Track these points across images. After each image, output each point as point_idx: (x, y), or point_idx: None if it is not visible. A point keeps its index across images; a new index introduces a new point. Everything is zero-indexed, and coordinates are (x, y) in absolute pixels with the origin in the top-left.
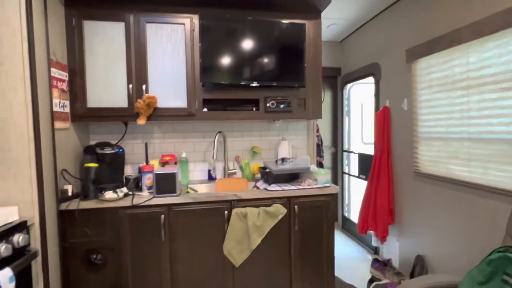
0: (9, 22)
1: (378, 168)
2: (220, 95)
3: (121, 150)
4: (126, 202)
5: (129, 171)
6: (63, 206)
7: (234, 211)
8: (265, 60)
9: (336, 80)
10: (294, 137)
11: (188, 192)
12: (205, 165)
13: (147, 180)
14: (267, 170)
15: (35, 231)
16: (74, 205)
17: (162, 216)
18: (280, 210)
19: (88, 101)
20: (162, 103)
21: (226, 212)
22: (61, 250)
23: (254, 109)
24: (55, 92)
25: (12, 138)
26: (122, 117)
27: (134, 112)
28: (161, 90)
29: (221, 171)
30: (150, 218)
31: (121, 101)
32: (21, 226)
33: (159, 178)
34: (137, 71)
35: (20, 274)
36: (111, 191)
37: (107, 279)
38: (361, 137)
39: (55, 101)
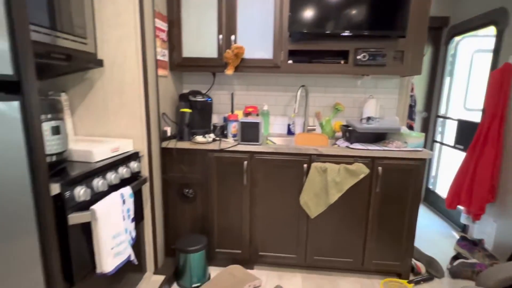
0: None
1: (484, 137)
2: (307, 46)
3: (210, 99)
4: (214, 146)
5: (216, 119)
6: (164, 144)
7: (314, 165)
8: (359, 5)
9: (441, 32)
10: (383, 96)
11: (267, 143)
12: (285, 119)
13: (233, 128)
14: (350, 128)
15: (145, 161)
16: (172, 144)
17: (245, 162)
18: (362, 169)
19: (183, 51)
20: (248, 54)
21: (305, 165)
22: (162, 181)
23: (342, 62)
24: (158, 42)
25: (126, 82)
26: (212, 67)
27: (223, 62)
28: (248, 41)
29: (301, 126)
30: (234, 163)
31: (211, 52)
32: (135, 156)
33: (244, 126)
34: (227, 21)
35: (134, 194)
36: (201, 136)
37: (196, 211)
38: (463, 101)
39: (158, 50)
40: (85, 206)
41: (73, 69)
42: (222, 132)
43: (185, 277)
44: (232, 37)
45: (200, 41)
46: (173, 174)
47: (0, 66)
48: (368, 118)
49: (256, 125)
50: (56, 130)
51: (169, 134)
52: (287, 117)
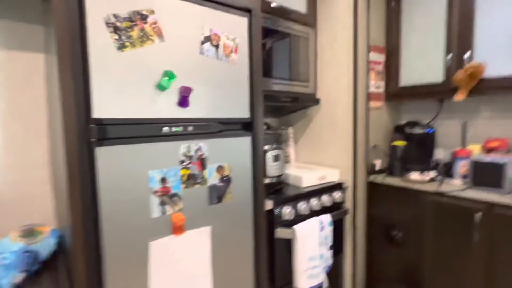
0: (340, 16)
1: None
2: None
3: (431, 130)
4: (432, 187)
5: (440, 154)
6: (371, 178)
7: None
8: None
9: None
10: None
11: None
12: None
13: (462, 167)
14: None
15: (349, 193)
16: (380, 179)
17: (478, 214)
18: None
19: (400, 80)
20: (492, 71)
21: None
22: (366, 216)
23: None
24: (372, 74)
25: (338, 115)
26: (436, 94)
27: (451, 87)
28: (491, 55)
29: None
30: (459, 213)
31: (435, 76)
32: (339, 186)
33: (479, 166)
34: (460, 37)
35: (335, 223)
36: (417, 172)
37: (405, 258)
38: None
39: (371, 82)
40: (288, 225)
41: (297, 108)
42: (447, 170)
43: None
44: (466, 55)
45: (421, 66)
46: (380, 212)
47: (243, 112)
48: None
49: (498, 166)
50: (276, 158)
51: (378, 167)
52: None
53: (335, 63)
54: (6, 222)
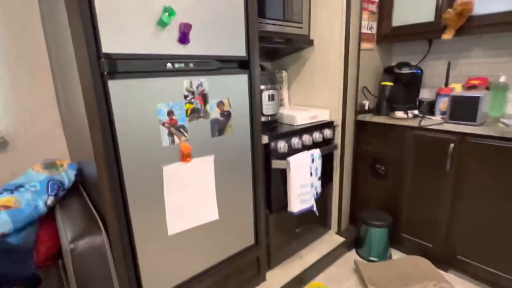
0: None
1: None
2: None
3: (419, 71)
4: (414, 123)
5: (426, 94)
6: (359, 117)
7: None
8: None
9: None
10: None
11: (499, 126)
12: None
13: (442, 103)
14: None
15: (338, 131)
16: (368, 117)
17: (451, 144)
18: None
19: (393, 20)
20: (480, 8)
21: None
22: (354, 152)
23: None
24: (365, 15)
25: (330, 58)
26: (426, 33)
27: (441, 26)
28: None
29: None
30: (436, 143)
31: (426, 15)
32: (329, 125)
33: (456, 101)
34: None
35: (324, 157)
36: (402, 112)
37: (386, 188)
38: None
39: (364, 23)
40: (283, 157)
41: (291, 51)
42: (430, 108)
43: (364, 248)
44: None
45: (414, 5)
46: (366, 147)
47: (240, 50)
48: None
49: (473, 100)
50: (271, 97)
51: (366, 107)
52: None
53: (329, 3)
54: (24, 159)
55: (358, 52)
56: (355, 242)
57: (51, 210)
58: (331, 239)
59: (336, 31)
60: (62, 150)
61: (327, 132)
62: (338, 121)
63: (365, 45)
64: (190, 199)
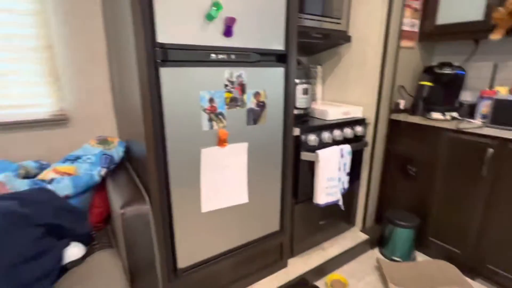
0: None
1: None
2: None
3: (462, 72)
4: (451, 125)
5: (467, 96)
6: (393, 116)
7: None
8: None
9: None
10: None
11: None
12: None
13: (484, 106)
14: None
15: (370, 128)
16: (401, 117)
17: (490, 149)
18: None
19: (437, 18)
20: None
21: None
22: (385, 151)
23: None
24: (407, 12)
25: (367, 55)
26: (473, 33)
27: (490, 26)
28: None
29: None
30: (473, 148)
31: (475, 14)
32: (361, 122)
33: (500, 104)
34: None
35: (354, 154)
36: (439, 113)
37: (415, 190)
38: None
39: (406, 20)
40: (313, 150)
41: (328, 46)
42: (470, 111)
43: (388, 247)
44: None
45: (463, 2)
46: (398, 147)
47: (279, 44)
48: None
49: None
50: (305, 91)
51: (401, 107)
52: None
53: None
54: (81, 135)
55: (397, 50)
56: (379, 241)
57: (103, 180)
58: (354, 236)
59: (375, 28)
60: (112, 129)
61: (359, 129)
62: (370, 119)
63: (405, 43)
64: (223, 181)
